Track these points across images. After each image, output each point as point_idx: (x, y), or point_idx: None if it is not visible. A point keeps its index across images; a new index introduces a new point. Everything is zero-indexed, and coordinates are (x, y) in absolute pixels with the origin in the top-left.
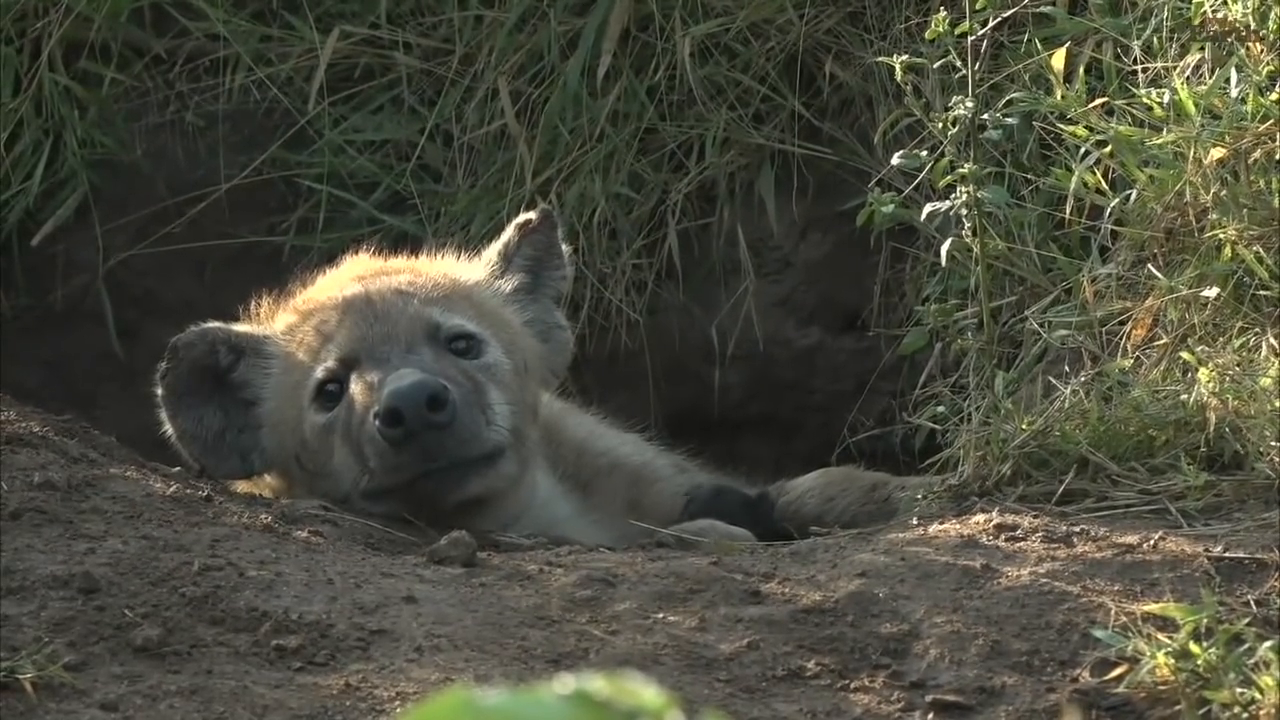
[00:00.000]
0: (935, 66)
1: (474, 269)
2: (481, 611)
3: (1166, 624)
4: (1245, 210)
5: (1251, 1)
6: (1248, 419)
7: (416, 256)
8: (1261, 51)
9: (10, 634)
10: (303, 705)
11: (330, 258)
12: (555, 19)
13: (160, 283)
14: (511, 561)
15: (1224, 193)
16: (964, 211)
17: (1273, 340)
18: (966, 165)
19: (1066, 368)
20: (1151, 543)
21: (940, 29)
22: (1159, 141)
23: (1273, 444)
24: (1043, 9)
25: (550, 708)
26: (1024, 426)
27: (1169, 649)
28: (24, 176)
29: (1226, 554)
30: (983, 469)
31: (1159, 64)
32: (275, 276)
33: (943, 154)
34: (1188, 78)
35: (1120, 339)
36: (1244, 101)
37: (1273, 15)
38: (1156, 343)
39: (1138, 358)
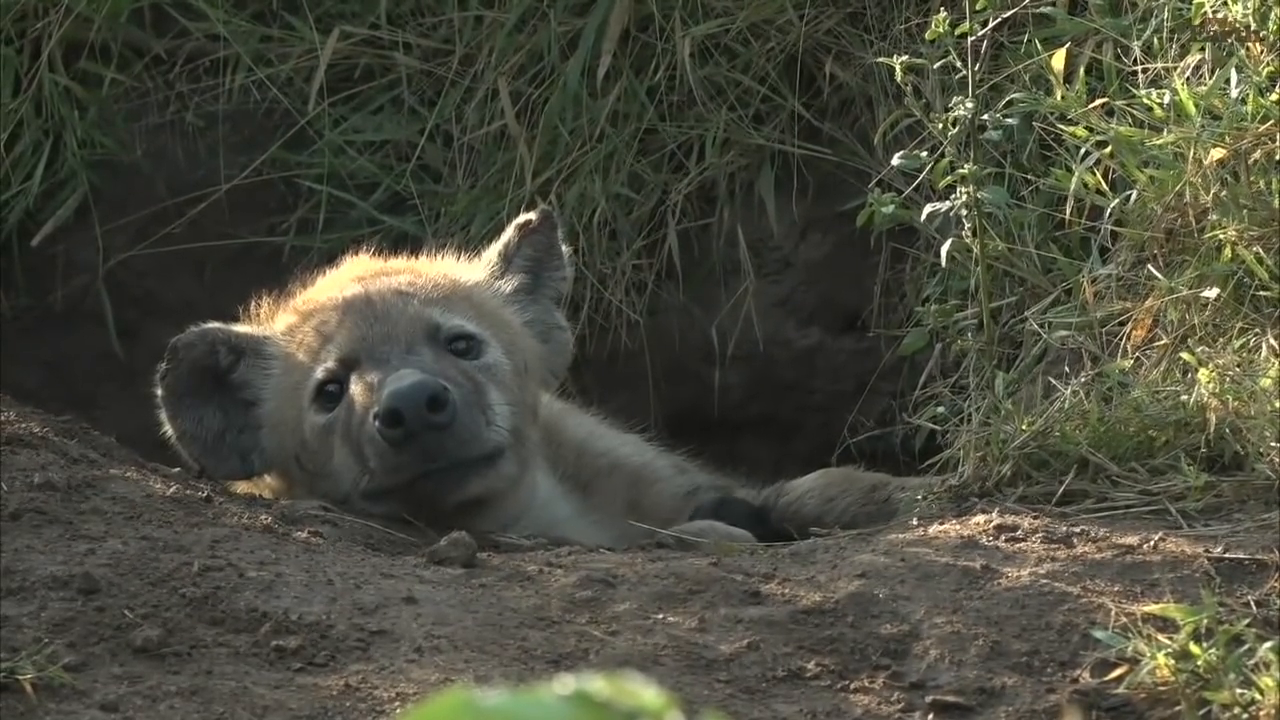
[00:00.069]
0: (935, 67)
1: (474, 269)
2: (481, 612)
3: (1167, 625)
4: (1245, 211)
5: (1252, 2)
6: (1248, 420)
7: (416, 257)
8: (1262, 52)
9: (10, 634)
10: (303, 706)
11: (330, 258)
12: (555, 19)
13: (160, 283)
14: (511, 562)
15: (1224, 193)
16: (964, 212)
17: (1273, 341)
18: (966, 166)
19: (1066, 368)
20: (1151, 543)
21: (940, 29)
22: (1159, 142)
23: (1273, 445)
24: (1043, 9)
25: (550, 708)
26: (1024, 427)
27: (1169, 650)
28: (24, 177)
29: (1226, 555)
30: (983, 470)
31: (1159, 64)
32: (275, 277)
33: (943, 154)
34: (1188, 78)
35: (1120, 340)
36: (1244, 102)
37: (1273, 16)
38: (1156, 343)
39: (1138, 358)
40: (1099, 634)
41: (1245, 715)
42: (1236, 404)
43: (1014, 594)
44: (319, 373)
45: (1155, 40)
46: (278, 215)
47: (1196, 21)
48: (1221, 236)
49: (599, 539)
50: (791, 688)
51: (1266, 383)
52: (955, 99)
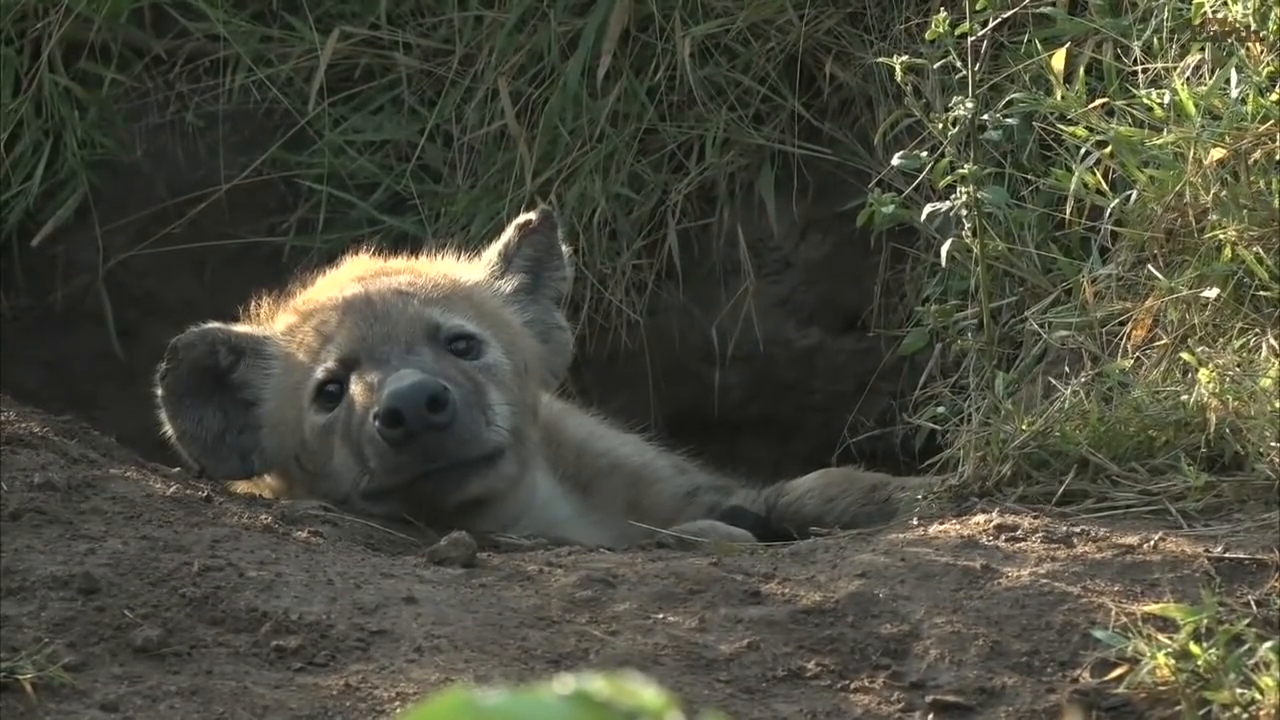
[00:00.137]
0: (935, 67)
1: (474, 269)
2: (481, 612)
3: (1167, 624)
4: (1245, 211)
5: (1252, 2)
6: (1248, 420)
7: (416, 257)
8: (1262, 52)
9: (10, 634)
10: (303, 706)
11: (330, 258)
12: (555, 19)
13: (160, 283)
14: (511, 562)
15: (1224, 193)
16: (964, 212)
17: (1273, 341)
18: (966, 166)
19: (1066, 368)
20: (1152, 543)
21: (940, 29)
22: (1159, 142)
23: (1273, 445)
24: (1043, 9)
25: (550, 708)
26: (1024, 427)
27: (1169, 649)
28: (24, 177)
29: (1227, 554)
30: (983, 470)
31: (1159, 64)
32: (275, 277)
33: (943, 154)
34: (1188, 78)
35: (1120, 340)
36: (1244, 102)
37: (1273, 16)
38: (1157, 343)
39: (1138, 358)
40: (1099, 634)
41: (1245, 715)
42: (1236, 404)
43: (1014, 594)
44: (319, 373)
45: (1155, 40)
46: (278, 215)
47: (1196, 21)
48: (1221, 236)
49: (599, 539)
50: (791, 688)
51: (1266, 383)
52: (955, 99)
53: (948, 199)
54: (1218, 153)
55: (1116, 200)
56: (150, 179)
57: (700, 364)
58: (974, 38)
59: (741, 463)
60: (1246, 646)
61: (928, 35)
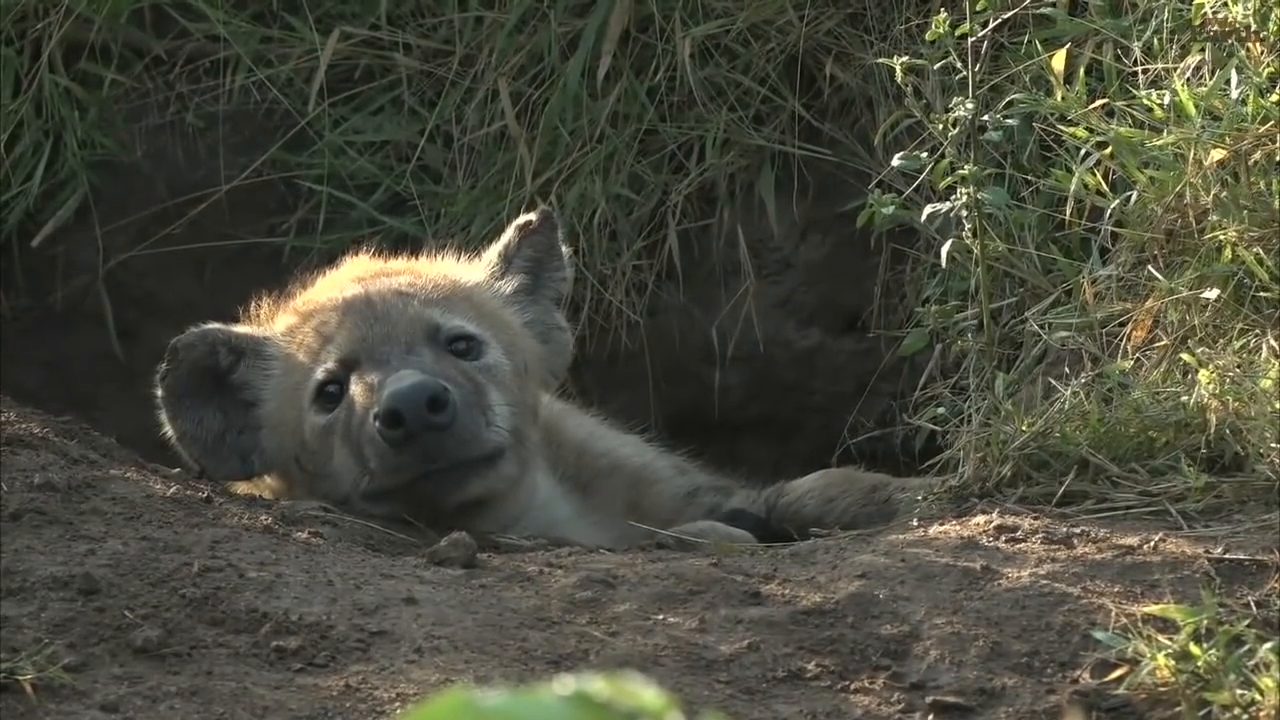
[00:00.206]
0: (936, 68)
1: (474, 270)
2: (482, 613)
3: (1167, 625)
4: (1245, 212)
5: (1252, 2)
6: (1248, 420)
7: (417, 258)
8: (1262, 53)
9: (10, 635)
10: (303, 706)
11: (330, 259)
12: (555, 20)
13: (160, 284)
14: (512, 563)
15: (1224, 194)
16: (964, 213)
17: (1273, 342)
18: (967, 166)
19: (1067, 369)
20: (1152, 544)
21: (941, 30)
22: (1159, 143)
23: (1273, 445)
24: (1043, 10)
25: (550, 709)
26: (1024, 428)
27: (1169, 650)
28: (24, 177)
29: (1227, 555)
30: (983, 470)
31: (1159, 65)
32: (275, 278)
33: (943, 155)
34: (1188, 79)
35: (1120, 340)
36: (1244, 103)
37: (1273, 16)
38: (1157, 344)
39: (1138, 359)
40: (1099, 635)
41: (1245, 716)
42: (1237, 405)
43: (1014, 595)
44: (319, 373)
45: (1155, 41)
46: (278, 216)
47: (1197, 22)
48: (1222, 237)
49: (599, 539)
50: (792, 688)
51: (1267, 384)
52: (955, 100)
53: (948, 200)
54: (1218, 153)
55: (1117, 201)
56: (150, 179)
57: (700, 365)
58: (974, 38)
59: (741, 463)
60: (1246, 647)
61: (928, 36)
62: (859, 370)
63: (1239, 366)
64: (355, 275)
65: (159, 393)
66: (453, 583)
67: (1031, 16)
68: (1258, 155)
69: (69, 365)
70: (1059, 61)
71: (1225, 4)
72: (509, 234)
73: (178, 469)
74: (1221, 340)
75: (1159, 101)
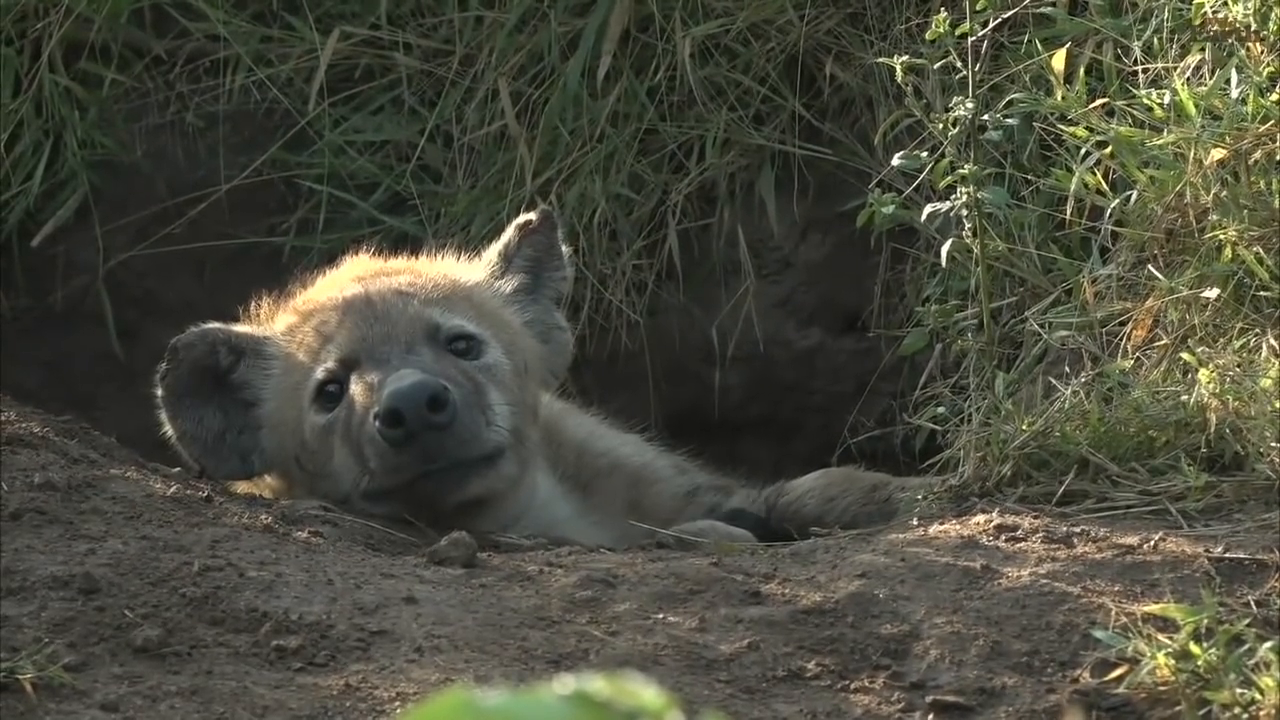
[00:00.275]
0: (936, 67)
1: (474, 270)
2: (482, 612)
3: (1167, 625)
4: (1245, 211)
5: (1252, 2)
6: (1248, 420)
7: (416, 257)
8: (1262, 52)
9: (10, 634)
10: (303, 706)
11: (330, 258)
12: (555, 20)
13: (160, 283)
14: (512, 562)
15: (1224, 194)
16: (964, 212)
17: (1273, 341)
18: (967, 166)
19: (1067, 368)
20: (1152, 543)
21: (941, 30)
22: (1159, 142)
23: (1273, 445)
24: (1043, 10)
25: (550, 708)
26: (1024, 427)
27: (1169, 650)
28: (24, 177)
29: (1227, 555)
30: (983, 470)
31: (1159, 65)
32: (275, 277)
33: (943, 155)
34: (1188, 78)
35: (1121, 340)
36: (1244, 102)
37: (1273, 16)
38: (1157, 344)
39: (1138, 358)
40: (1099, 634)
41: (1245, 715)
42: (1237, 404)
43: (1014, 594)
44: (319, 373)
45: (1155, 40)
46: (278, 216)
47: (1197, 22)
48: (1222, 237)
49: (599, 539)
50: (792, 688)
51: (1267, 383)
52: (955, 99)
53: (948, 199)
54: (1218, 153)
55: (1117, 200)
56: (150, 179)
57: (700, 364)
58: (974, 38)
59: (742, 463)
60: (1246, 647)
61: (928, 35)
62: (859, 370)
63: (1239, 366)
64: (355, 275)
65: (159, 392)
66: (453, 582)
67: (1031, 16)
68: (1258, 155)
69: (69, 365)
70: (1059, 61)
71: (1225, 4)
72: (509, 233)
73: (178, 469)
74: (1221, 340)
75: (1159, 101)
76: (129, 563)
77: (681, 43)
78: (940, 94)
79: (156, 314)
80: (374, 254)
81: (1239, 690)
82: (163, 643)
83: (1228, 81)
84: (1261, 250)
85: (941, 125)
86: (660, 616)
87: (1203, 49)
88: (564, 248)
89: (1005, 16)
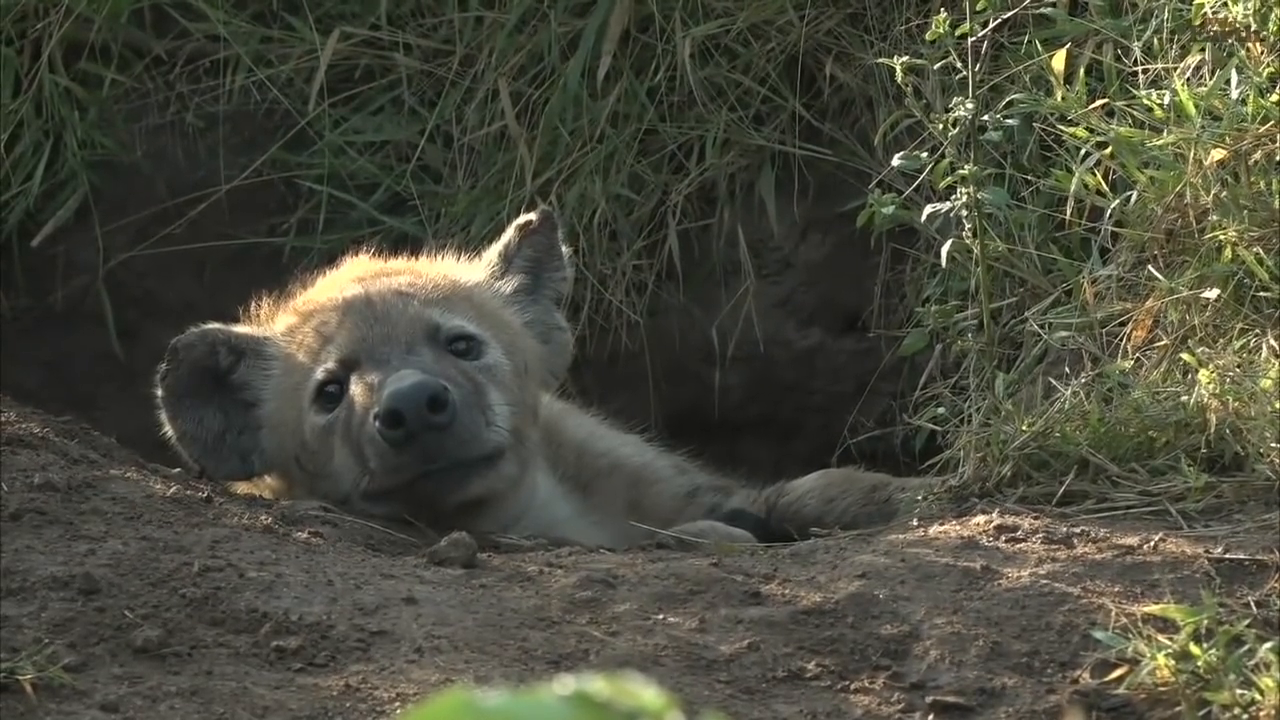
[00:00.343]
0: (936, 68)
1: (474, 270)
2: (482, 613)
3: (1167, 625)
4: (1246, 211)
5: (1252, 2)
6: (1248, 420)
7: (417, 258)
8: (1262, 53)
9: (10, 635)
10: (303, 706)
11: (330, 259)
12: (555, 20)
13: (160, 284)
14: (512, 563)
15: (1224, 194)
16: (964, 213)
17: (1273, 342)
18: (967, 166)
19: (1067, 369)
20: (1152, 544)
21: (941, 30)
22: (1159, 143)
23: (1273, 445)
24: (1043, 10)
25: (550, 709)
26: (1024, 428)
27: (1169, 650)
28: (24, 177)
29: (1227, 555)
30: (983, 470)
31: (1159, 65)
32: (275, 278)
33: (943, 155)
34: (1188, 79)
35: (1121, 340)
36: (1244, 103)
37: (1273, 16)
38: (1157, 344)
39: (1138, 359)
40: (1099, 634)
41: (1245, 716)
42: (1237, 405)
43: (1014, 594)
44: (319, 373)
45: (1155, 41)
46: (278, 216)
47: (1197, 22)
48: (1222, 237)
49: (599, 539)
50: (792, 688)
51: (1267, 383)
52: (955, 100)
53: (948, 200)
54: (1218, 153)
55: (1117, 201)
56: (150, 179)
57: (700, 365)
58: (974, 38)
59: (742, 463)
60: (1246, 647)
61: (928, 36)
62: (859, 370)
63: (1239, 366)
64: (355, 275)
65: (159, 393)
66: (453, 583)
67: (1031, 16)
68: (1258, 155)
69: (69, 365)
70: (1059, 61)
71: (1225, 4)
72: (509, 234)
73: (178, 469)
74: (1221, 340)
75: (1159, 101)
76: (129, 563)
77: (681, 43)
78: (940, 94)
79: (156, 314)
80: (374, 254)
81: (1239, 691)
82: (163, 643)
83: (1228, 82)
84: (1261, 251)
85: (941, 126)
86: (660, 617)
87: (1203, 49)
88: (564, 248)
89: (1005, 17)
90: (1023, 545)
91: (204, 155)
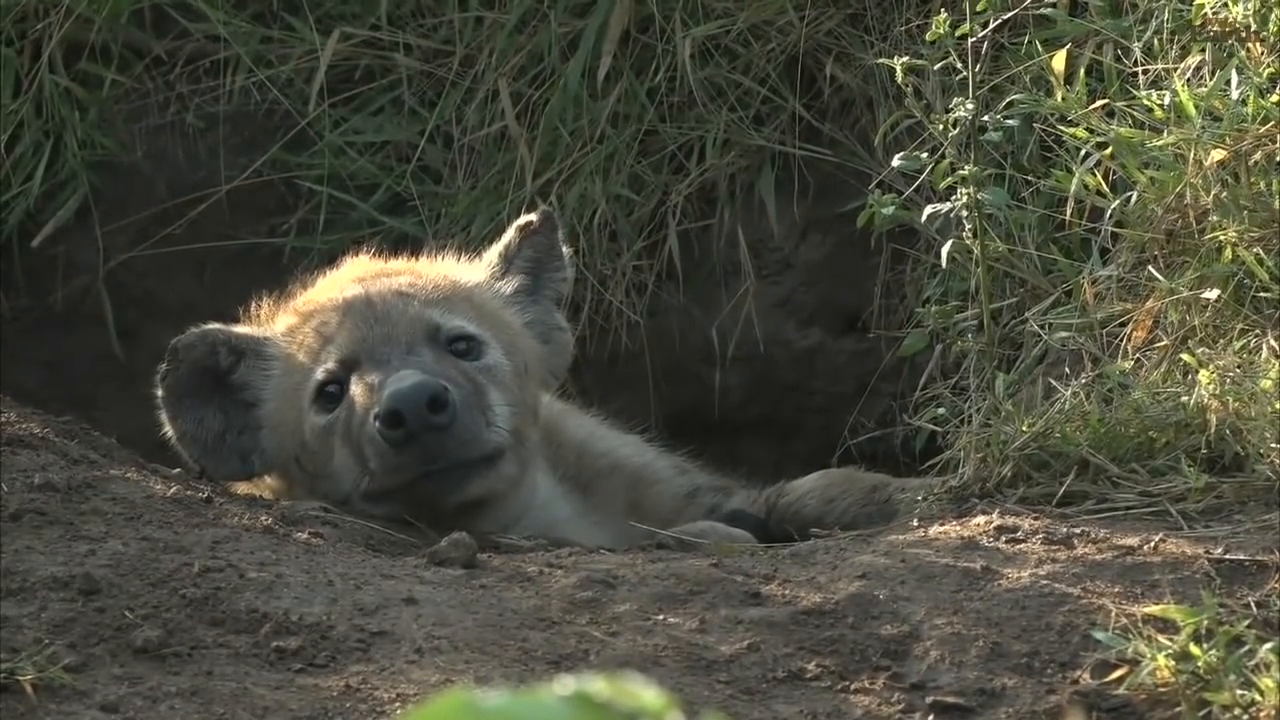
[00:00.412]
0: (936, 68)
1: (474, 270)
2: (482, 613)
3: (1167, 626)
4: (1246, 212)
5: (1252, 3)
6: (1248, 421)
7: (417, 258)
8: (1262, 53)
9: (10, 635)
10: (303, 707)
11: (330, 259)
12: (555, 20)
13: (160, 284)
14: (512, 563)
15: (1224, 194)
16: (964, 213)
17: (1273, 342)
18: (967, 167)
19: (1067, 369)
20: (1152, 544)
21: (941, 30)
22: (1159, 143)
23: (1273, 446)
24: (1043, 11)
25: (551, 709)
26: (1024, 428)
27: (1169, 651)
28: (24, 178)
29: (1227, 556)
30: (983, 471)
31: (1159, 66)
32: (275, 278)
33: (943, 156)
34: (1188, 79)
35: (1121, 341)
36: (1244, 103)
37: (1273, 16)
38: (1157, 344)
39: (1138, 359)
40: (1099, 635)
41: (1245, 716)
42: (1237, 405)
43: (1014, 595)
44: (319, 374)
45: (1156, 41)
46: (278, 216)
47: (1197, 22)
48: (1222, 238)
49: (599, 540)
50: (792, 689)
51: (1267, 384)
52: (956, 100)
53: (948, 200)
54: (1218, 154)
55: (1117, 201)
56: (150, 180)
57: (700, 365)
58: (975, 39)
59: (742, 464)
60: (1247, 648)
61: (928, 36)
62: (859, 370)
63: (1239, 367)
64: (355, 276)
65: (159, 393)
66: (453, 583)
67: (1032, 17)
68: (1258, 155)
69: (69, 365)
70: (1059, 62)
71: (1225, 4)
72: (509, 234)
73: (178, 469)
74: (1221, 340)
75: (1159, 102)
76: (129, 563)
77: (682, 43)
78: (940, 95)
79: (157, 315)
80: (374, 255)
81: (1239, 691)
82: (163, 644)
83: (1228, 82)
84: (1261, 251)
85: (942, 126)
86: (660, 617)
87: (1203, 50)
88: (564, 248)
89: (1005, 18)
90: (1023, 546)
91: (204, 155)
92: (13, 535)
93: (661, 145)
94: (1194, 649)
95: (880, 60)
